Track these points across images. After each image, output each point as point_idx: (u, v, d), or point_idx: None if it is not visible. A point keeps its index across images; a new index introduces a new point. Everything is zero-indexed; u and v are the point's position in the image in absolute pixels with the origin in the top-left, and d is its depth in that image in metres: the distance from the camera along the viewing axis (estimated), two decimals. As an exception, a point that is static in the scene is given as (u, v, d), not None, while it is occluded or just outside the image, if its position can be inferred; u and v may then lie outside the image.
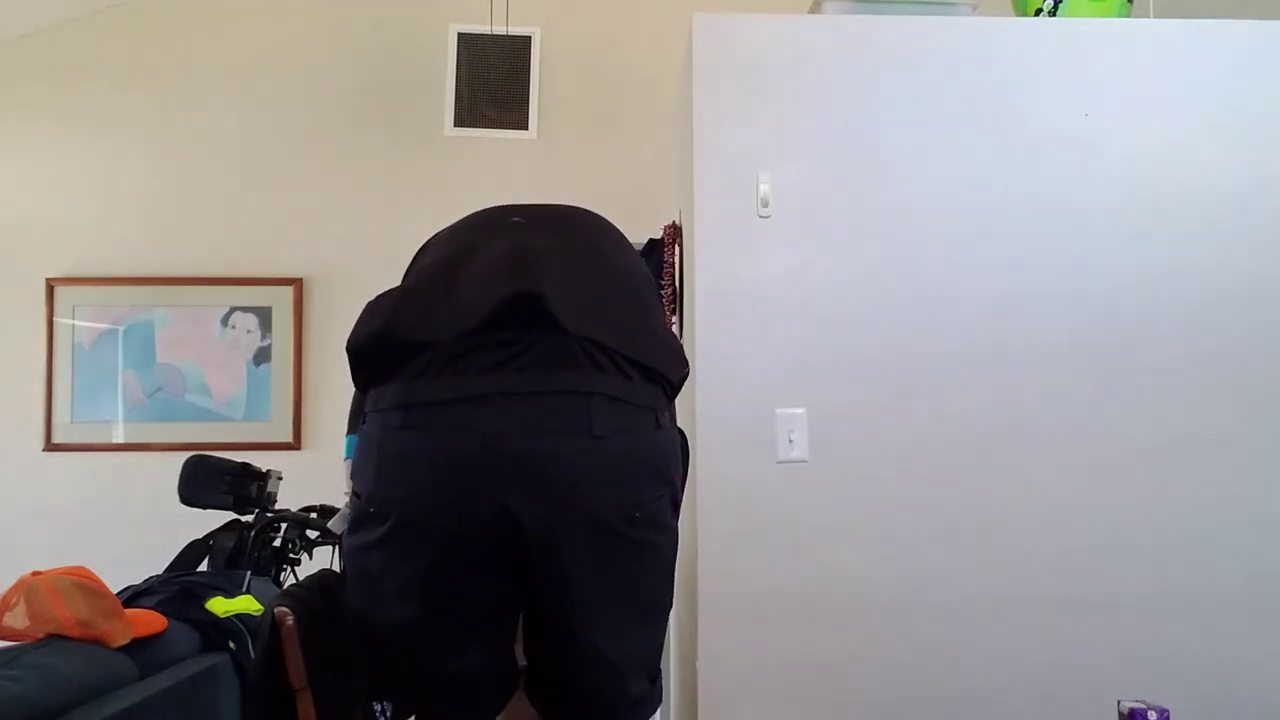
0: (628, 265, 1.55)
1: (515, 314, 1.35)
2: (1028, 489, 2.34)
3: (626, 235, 1.68)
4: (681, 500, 1.50)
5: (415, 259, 1.59)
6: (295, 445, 3.77)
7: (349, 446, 1.66)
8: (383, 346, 1.39)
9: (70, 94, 3.89)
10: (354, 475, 1.42)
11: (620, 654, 1.41)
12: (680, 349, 1.52)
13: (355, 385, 1.48)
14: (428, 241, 1.62)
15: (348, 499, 1.45)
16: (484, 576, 1.35)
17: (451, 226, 1.62)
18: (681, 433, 1.52)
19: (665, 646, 1.69)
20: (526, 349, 1.34)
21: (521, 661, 1.50)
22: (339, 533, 1.47)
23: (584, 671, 1.39)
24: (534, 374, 1.33)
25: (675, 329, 2.64)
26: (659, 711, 1.58)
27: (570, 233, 1.55)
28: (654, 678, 1.50)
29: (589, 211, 1.67)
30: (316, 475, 3.48)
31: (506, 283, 1.37)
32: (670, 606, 1.52)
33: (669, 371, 1.46)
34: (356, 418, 1.65)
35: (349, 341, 1.43)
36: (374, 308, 1.44)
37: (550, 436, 1.31)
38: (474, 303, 1.36)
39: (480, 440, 1.30)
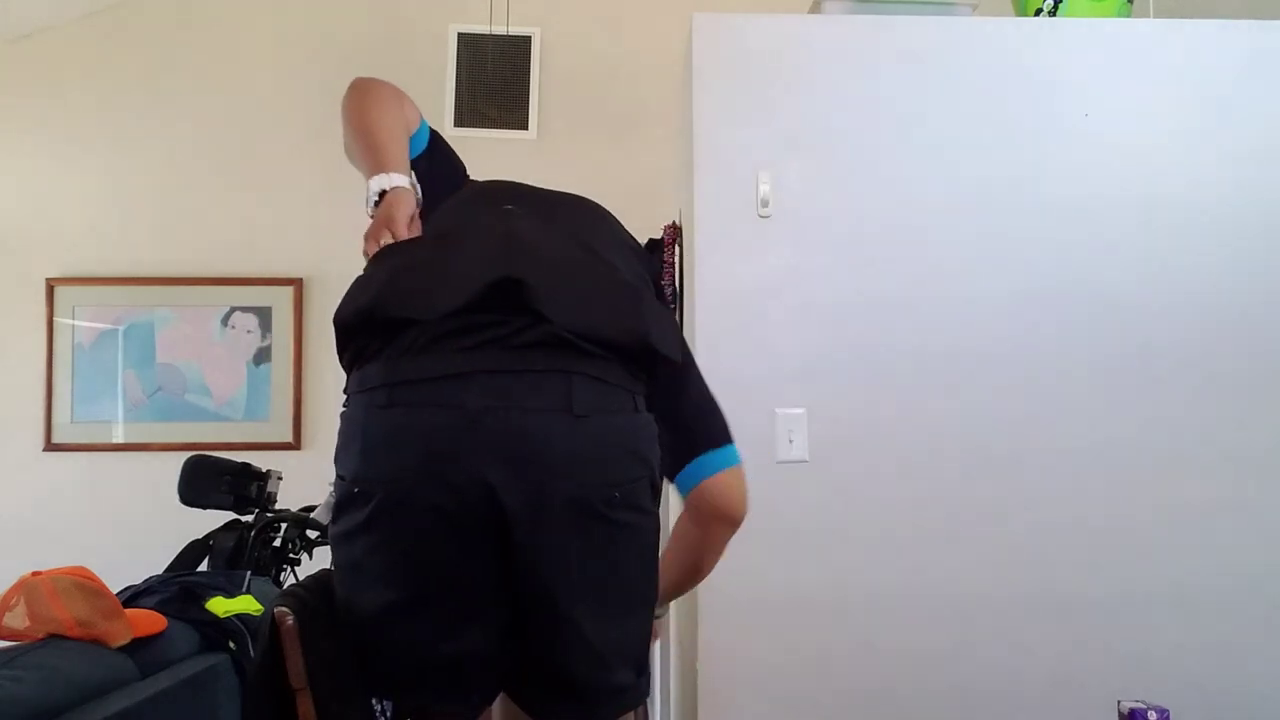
0: (620, 259, 1.55)
1: (499, 298, 1.36)
2: (1028, 489, 2.34)
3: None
4: (661, 486, 1.49)
5: (434, 209, 1.57)
6: (295, 445, 3.77)
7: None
8: (370, 323, 1.39)
9: (70, 94, 3.89)
10: (337, 459, 1.42)
11: (601, 639, 1.40)
12: (675, 334, 1.53)
13: (340, 362, 1.47)
14: (448, 199, 1.61)
15: (331, 487, 1.44)
16: (472, 555, 1.35)
17: (459, 196, 1.62)
18: (654, 423, 1.51)
19: (665, 647, 1.70)
20: (510, 332, 1.35)
21: None
22: (325, 522, 1.46)
23: (563, 654, 1.39)
24: (517, 353, 1.35)
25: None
26: (659, 711, 1.57)
27: (561, 220, 1.57)
28: (640, 670, 1.50)
29: (583, 199, 1.67)
30: (316, 475, 3.46)
31: (492, 267, 1.38)
32: (655, 597, 1.52)
33: (668, 352, 1.46)
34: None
35: (337, 314, 1.43)
36: (364, 283, 1.44)
37: (533, 414, 1.33)
38: (460, 285, 1.38)
39: (463, 416, 1.31)
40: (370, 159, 1.51)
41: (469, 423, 1.31)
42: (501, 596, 1.40)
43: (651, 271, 1.64)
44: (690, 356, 1.61)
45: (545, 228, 1.51)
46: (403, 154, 1.55)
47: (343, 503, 1.39)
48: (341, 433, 1.42)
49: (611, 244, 1.58)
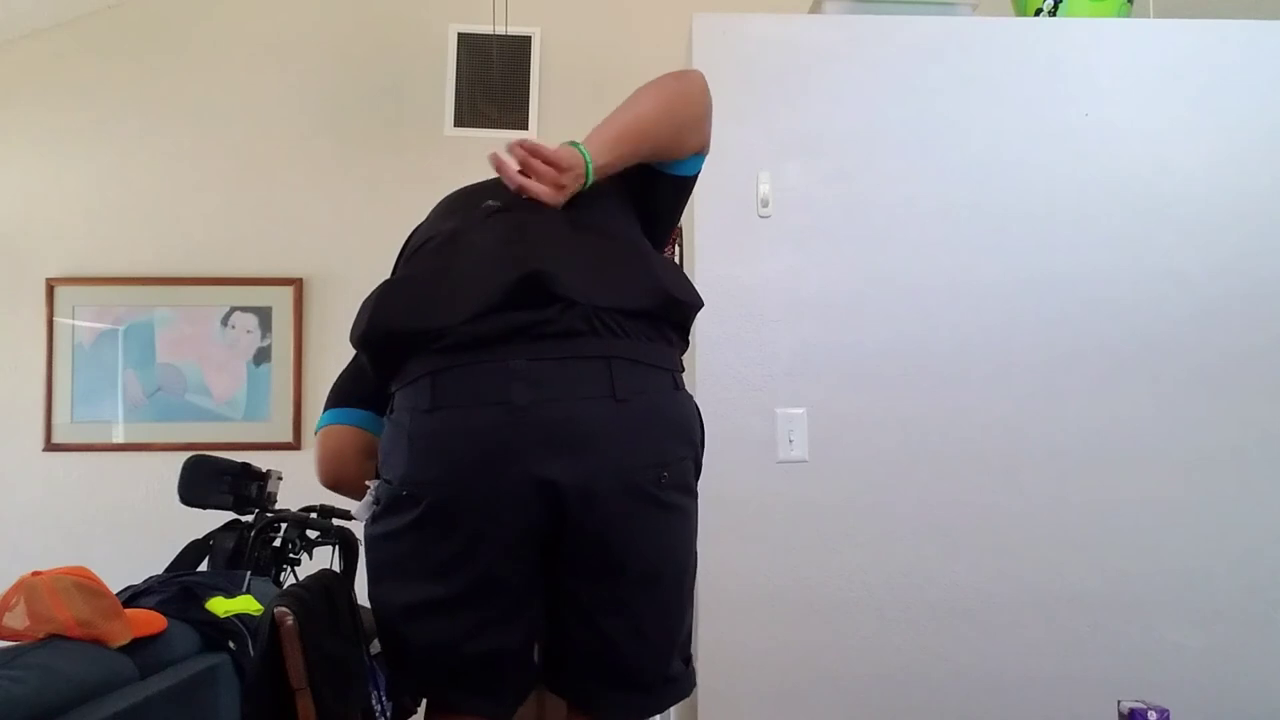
0: (607, 220, 1.55)
1: (523, 293, 1.37)
2: (1028, 489, 2.34)
3: None
4: (702, 464, 1.51)
5: (401, 255, 1.61)
6: (295, 445, 3.77)
7: (321, 420, 1.69)
8: (396, 340, 1.40)
9: (70, 94, 3.89)
10: (382, 462, 1.42)
11: (656, 627, 1.41)
12: (687, 280, 1.54)
13: (376, 378, 1.48)
14: (409, 237, 1.63)
15: (371, 488, 1.44)
16: (518, 553, 1.36)
17: (427, 218, 1.63)
18: (692, 400, 1.53)
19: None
20: (544, 320, 1.36)
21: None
22: (362, 520, 1.46)
23: (623, 644, 1.39)
24: (554, 343, 1.36)
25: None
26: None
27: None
28: (687, 659, 1.50)
29: None
30: (316, 475, 3.48)
31: (510, 265, 1.39)
32: (695, 581, 1.52)
33: (690, 299, 1.48)
34: (337, 396, 1.67)
35: (363, 334, 1.43)
36: (379, 302, 1.44)
37: (578, 402, 1.34)
38: (481, 288, 1.38)
39: (510, 412, 1.32)
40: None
41: (518, 419, 1.32)
42: (538, 595, 1.40)
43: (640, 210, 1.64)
44: None
45: (535, 213, 1.49)
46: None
47: (389, 505, 1.38)
48: (386, 437, 1.43)
49: (593, 201, 1.54)
